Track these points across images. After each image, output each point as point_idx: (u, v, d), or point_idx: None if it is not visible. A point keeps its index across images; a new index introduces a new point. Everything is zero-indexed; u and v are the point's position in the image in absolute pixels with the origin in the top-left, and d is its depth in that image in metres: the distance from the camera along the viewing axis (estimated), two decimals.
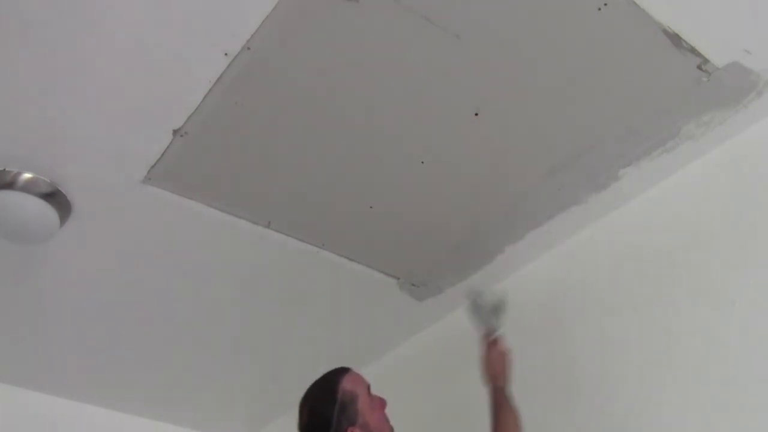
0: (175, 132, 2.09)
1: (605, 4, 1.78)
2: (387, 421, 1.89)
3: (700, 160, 2.24)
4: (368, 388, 1.90)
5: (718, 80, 2.00)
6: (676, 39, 1.87)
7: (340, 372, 1.91)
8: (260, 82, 1.96)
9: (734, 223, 2.11)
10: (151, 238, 2.50)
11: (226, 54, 1.89)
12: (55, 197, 2.25)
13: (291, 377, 3.29)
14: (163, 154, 2.16)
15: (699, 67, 1.96)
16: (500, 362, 2.12)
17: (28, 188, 2.21)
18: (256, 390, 3.44)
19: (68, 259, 2.56)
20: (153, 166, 2.20)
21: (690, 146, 2.20)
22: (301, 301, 2.85)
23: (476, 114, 2.08)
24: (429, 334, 2.94)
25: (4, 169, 2.18)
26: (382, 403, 1.89)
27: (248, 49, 1.87)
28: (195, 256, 2.59)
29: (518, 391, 2.51)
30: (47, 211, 2.26)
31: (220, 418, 3.65)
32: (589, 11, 1.80)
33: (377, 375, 3.07)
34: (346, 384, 1.86)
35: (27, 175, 2.20)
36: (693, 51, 1.91)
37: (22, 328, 2.89)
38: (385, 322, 2.92)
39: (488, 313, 2.24)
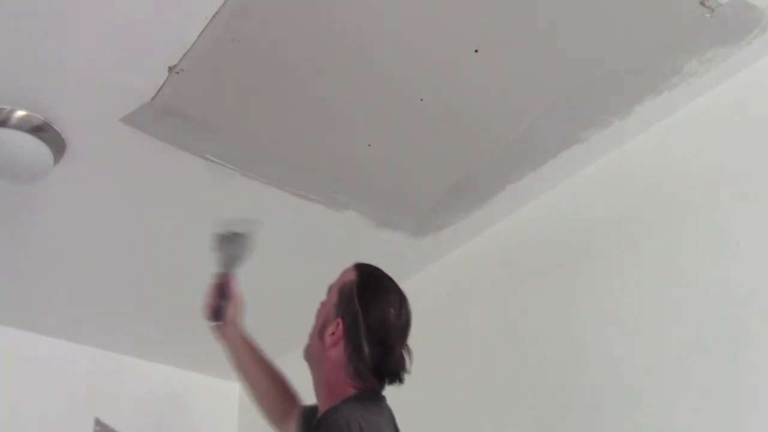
0: (170, 69, 2.06)
1: None
2: None
3: (703, 98, 2.22)
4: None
5: (722, 16, 1.97)
6: None
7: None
8: (257, 18, 1.92)
9: (738, 161, 2.10)
10: (146, 177, 2.47)
11: None
12: (48, 134, 2.22)
13: (287, 321, 3.30)
14: (158, 92, 2.12)
15: (702, 3, 1.93)
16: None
17: (21, 125, 2.18)
18: (252, 334, 3.44)
19: (62, 198, 2.53)
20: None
21: (693, 83, 2.18)
22: (299, 244, 2.84)
23: (476, 51, 2.05)
24: (428, 273, 2.95)
25: None
26: None
27: None
28: (190, 195, 2.57)
29: (519, 328, 2.53)
30: (41, 149, 2.23)
31: (214, 360, 3.65)
32: None
33: None
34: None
35: (20, 113, 2.17)
36: None
37: (15, 267, 2.88)
38: (384, 262, 2.90)
39: (232, 247, 2.19)
